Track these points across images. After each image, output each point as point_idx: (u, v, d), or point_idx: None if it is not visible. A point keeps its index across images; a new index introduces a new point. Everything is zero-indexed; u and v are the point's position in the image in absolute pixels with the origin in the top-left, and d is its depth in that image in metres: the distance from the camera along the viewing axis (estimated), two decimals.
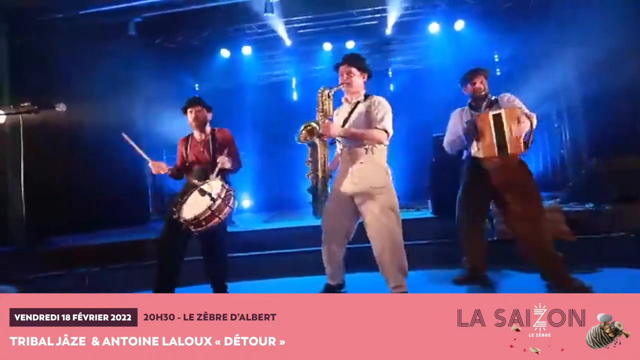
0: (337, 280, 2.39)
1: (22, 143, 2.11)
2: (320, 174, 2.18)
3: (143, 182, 5.38)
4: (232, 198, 2.27)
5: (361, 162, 2.17)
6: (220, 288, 2.52)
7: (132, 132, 5.36)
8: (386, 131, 2.14)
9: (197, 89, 6.88)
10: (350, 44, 5.92)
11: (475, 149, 2.37)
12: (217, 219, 2.16)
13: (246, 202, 6.27)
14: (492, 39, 5.74)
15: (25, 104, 2.06)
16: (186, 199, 2.26)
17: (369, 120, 2.18)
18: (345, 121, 2.22)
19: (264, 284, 2.94)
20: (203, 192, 2.20)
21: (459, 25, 5.52)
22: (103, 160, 4.61)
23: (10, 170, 3.86)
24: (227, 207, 2.22)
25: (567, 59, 4.66)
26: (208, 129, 2.56)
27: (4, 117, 3.21)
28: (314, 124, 2.11)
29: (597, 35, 4.02)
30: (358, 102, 2.25)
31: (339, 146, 2.31)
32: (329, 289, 2.38)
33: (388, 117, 2.18)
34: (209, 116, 2.58)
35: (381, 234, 2.13)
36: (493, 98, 2.46)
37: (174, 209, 2.21)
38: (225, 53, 5.99)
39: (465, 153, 2.55)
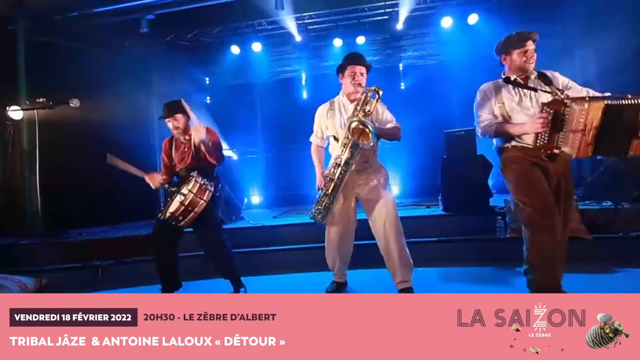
0: (344, 277, 2.49)
1: (37, 138, 2.15)
2: (342, 180, 2.18)
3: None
4: (208, 192, 2.36)
5: (365, 162, 2.23)
6: (232, 281, 2.56)
7: (144, 128, 5.46)
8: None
9: (207, 82, 6.94)
10: (361, 40, 5.85)
11: (539, 144, 1.77)
12: (193, 213, 2.31)
13: (256, 199, 6.31)
14: (507, 33, 5.59)
15: (41, 100, 2.10)
16: (169, 203, 2.41)
17: (374, 118, 2.22)
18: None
19: (272, 279, 2.95)
20: (178, 192, 2.36)
21: (473, 19, 5.39)
22: (116, 155, 4.69)
23: (26, 165, 3.98)
24: (202, 201, 2.33)
25: (587, 54, 4.51)
26: (190, 130, 2.46)
27: (21, 113, 3.29)
28: (369, 127, 2.00)
29: (618, 30, 3.88)
30: (359, 100, 2.29)
31: (335, 146, 2.29)
32: (339, 286, 2.46)
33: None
34: (189, 121, 2.46)
35: (388, 230, 2.19)
36: (537, 73, 1.91)
37: (160, 214, 2.42)
38: (235, 49, 6.00)
39: (505, 141, 1.95)
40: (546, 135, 1.75)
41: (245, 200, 5.54)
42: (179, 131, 2.48)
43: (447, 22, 5.47)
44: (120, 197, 4.52)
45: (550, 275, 1.83)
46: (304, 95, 6.92)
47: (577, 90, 1.91)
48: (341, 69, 2.31)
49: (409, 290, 2.21)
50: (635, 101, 1.61)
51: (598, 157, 3.69)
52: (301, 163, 5.94)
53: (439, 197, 3.76)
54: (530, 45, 1.91)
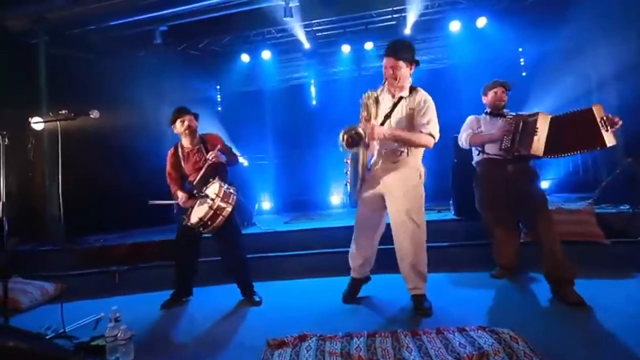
0: (361, 274, 2.41)
1: (60, 148, 2.24)
2: (360, 171, 2.18)
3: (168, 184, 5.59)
4: (232, 196, 2.39)
5: (394, 162, 2.17)
6: (244, 286, 2.62)
7: (157, 135, 5.62)
8: (432, 135, 2.08)
9: (218, 90, 7.09)
10: (369, 45, 5.90)
11: (503, 147, 2.41)
12: (220, 217, 2.31)
13: (266, 204, 6.36)
14: (516, 36, 5.55)
15: (63, 112, 2.19)
16: (192, 207, 2.45)
17: (411, 119, 2.09)
18: (387, 116, 2.14)
19: (284, 285, 2.98)
20: (203, 197, 2.37)
21: (481, 22, 5.38)
22: (132, 164, 4.84)
23: (48, 173, 4.13)
24: (229, 205, 2.34)
25: (599, 54, 4.44)
26: (197, 135, 2.61)
27: (42, 124, 3.42)
28: (359, 130, 2.00)
29: (630, 30, 3.82)
30: (401, 97, 2.14)
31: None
32: (353, 282, 2.41)
33: (434, 120, 2.10)
34: (197, 123, 2.63)
35: (404, 236, 2.14)
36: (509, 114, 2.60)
37: (184, 217, 2.43)
38: (245, 58, 6.12)
39: (478, 154, 2.66)
40: (509, 140, 2.38)
41: (257, 206, 5.59)
42: (189, 131, 2.54)
43: (455, 25, 5.47)
44: (134, 204, 4.63)
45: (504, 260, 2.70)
46: (313, 101, 7.00)
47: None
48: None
49: (421, 297, 2.19)
50: (575, 110, 2.12)
51: (609, 160, 3.67)
52: (311, 168, 5.98)
53: (450, 202, 3.74)
54: (499, 90, 2.59)
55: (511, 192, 2.44)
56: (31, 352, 1.47)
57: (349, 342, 1.79)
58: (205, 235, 2.49)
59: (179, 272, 2.63)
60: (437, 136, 2.11)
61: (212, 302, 2.63)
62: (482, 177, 2.67)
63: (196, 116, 2.63)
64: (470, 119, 2.71)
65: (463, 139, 2.66)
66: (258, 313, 2.40)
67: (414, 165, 2.18)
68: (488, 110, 2.67)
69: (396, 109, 2.14)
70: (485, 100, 2.69)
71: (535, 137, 2.20)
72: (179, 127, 2.56)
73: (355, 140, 2.01)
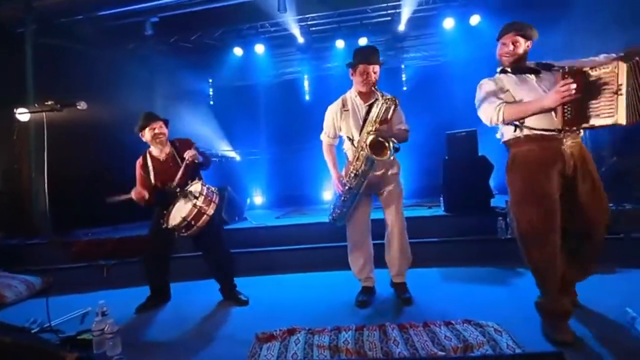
0: (373, 281, 2.37)
1: (45, 140, 2.20)
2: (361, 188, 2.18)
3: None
4: (215, 194, 2.32)
5: (380, 164, 2.21)
6: (228, 288, 2.53)
7: None
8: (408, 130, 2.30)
9: (210, 84, 7.02)
10: (363, 41, 5.87)
11: (566, 119, 1.54)
12: (205, 216, 2.21)
13: (258, 199, 6.34)
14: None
15: (49, 103, 2.15)
16: (171, 209, 2.30)
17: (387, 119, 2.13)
18: (365, 120, 2.15)
19: (275, 279, 2.98)
20: (185, 194, 2.24)
21: (475, 19, 5.40)
22: (120, 158, 4.76)
23: (34, 166, 4.04)
24: (212, 203, 2.26)
25: (590, 53, 4.49)
26: (168, 143, 2.48)
27: (28, 115, 3.34)
28: (390, 142, 2.00)
29: (621, 26, 3.87)
30: (376, 99, 2.14)
31: (350, 146, 2.24)
32: (368, 291, 2.35)
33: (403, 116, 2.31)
34: (167, 130, 2.49)
35: (398, 224, 2.23)
36: (536, 63, 1.77)
37: (162, 220, 2.27)
38: (238, 51, 6.05)
39: (515, 130, 1.73)
40: (572, 108, 1.53)
41: (248, 200, 5.58)
42: (162, 139, 2.40)
43: (449, 23, 5.48)
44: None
45: (555, 299, 1.68)
46: (307, 96, 6.97)
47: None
48: (353, 66, 2.18)
49: (402, 285, 2.27)
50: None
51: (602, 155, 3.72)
52: (304, 164, 5.97)
53: (441, 198, 3.77)
54: (507, 39, 1.77)
55: (568, 183, 1.69)
56: (15, 345, 1.46)
57: (337, 335, 1.81)
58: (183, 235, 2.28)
59: (153, 276, 2.48)
60: None
61: (200, 297, 2.62)
62: (523, 161, 1.72)
63: (166, 122, 2.47)
64: (486, 84, 1.80)
65: (490, 114, 1.71)
66: (247, 308, 2.40)
67: (396, 159, 2.32)
68: (505, 67, 1.80)
69: (372, 111, 2.10)
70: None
71: (620, 98, 1.45)
72: (147, 135, 2.39)
73: (380, 145, 2.01)
